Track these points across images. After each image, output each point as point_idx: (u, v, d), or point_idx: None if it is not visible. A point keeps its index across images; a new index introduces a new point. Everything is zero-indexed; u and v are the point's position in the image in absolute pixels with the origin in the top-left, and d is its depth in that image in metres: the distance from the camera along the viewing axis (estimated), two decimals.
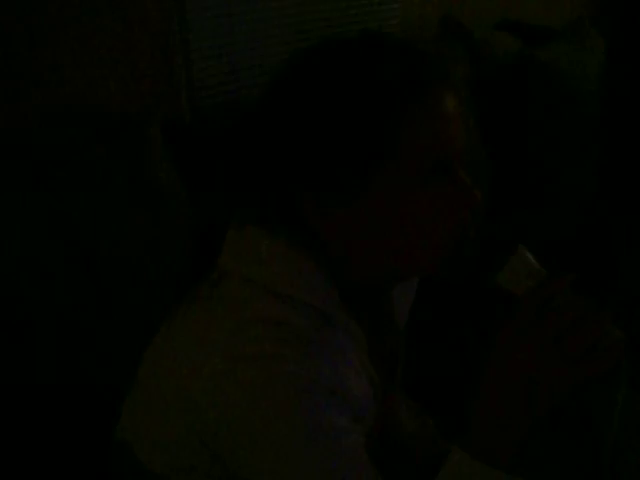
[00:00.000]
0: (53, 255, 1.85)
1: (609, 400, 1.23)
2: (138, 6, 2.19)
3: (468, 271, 1.07)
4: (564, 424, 1.28)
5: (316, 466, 0.95)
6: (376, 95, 1.00)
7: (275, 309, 1.00)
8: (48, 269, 1.84)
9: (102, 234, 1.89)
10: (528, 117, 2.68)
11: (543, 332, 0.95)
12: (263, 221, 1.06)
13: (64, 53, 2.08)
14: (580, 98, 2.70)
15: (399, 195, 1.01)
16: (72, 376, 1.82)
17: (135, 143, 1.97)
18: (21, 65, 2.01)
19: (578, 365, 0.94)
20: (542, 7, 3.38)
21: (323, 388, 0.96)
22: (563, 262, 2.24)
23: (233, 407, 0.96)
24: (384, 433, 1.17)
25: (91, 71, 2.13)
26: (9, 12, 1.98)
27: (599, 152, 2.77)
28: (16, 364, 1.77)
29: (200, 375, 0.98)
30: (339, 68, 1.02)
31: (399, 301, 1.23)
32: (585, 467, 1.40)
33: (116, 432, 1.12)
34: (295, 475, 0.95)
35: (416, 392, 1.36)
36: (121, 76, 2.19)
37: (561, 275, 0.99)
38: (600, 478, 1.39)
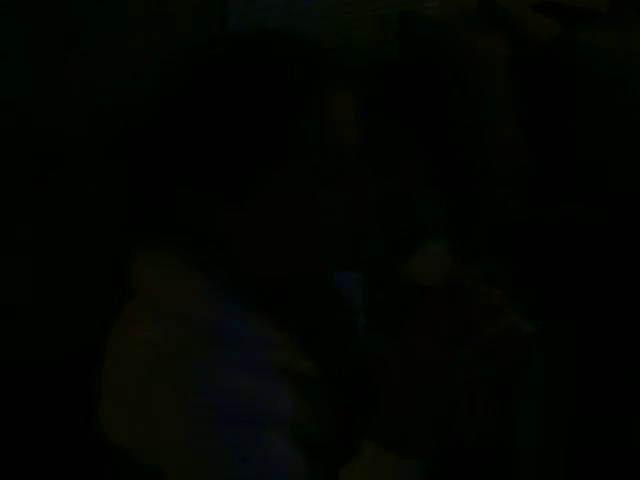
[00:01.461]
0: (70, 246, 1.86)
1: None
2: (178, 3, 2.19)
3: (380, 263, 1.06)
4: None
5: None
6: (268, 95, 0.99)
7: (162, 329, 1.01)
8: (62, 262, 1.85)
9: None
10: (573, 102, 2.64)
11: (441, 329, 0.95)
12: (163, 237, 1.06)
13: (96, 54, 2.07)
14: (625, 82, 2.66)
15: (288, 197, 1.01)
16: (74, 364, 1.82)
17: None
18: (53, 60, 2.01)
19: (477, 362, 0.94)
20: None
21: (205, 404, 0.97)
22: (606, 250, 2.23)
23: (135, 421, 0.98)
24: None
25: (126, 69, 2.12)
26: (40, 11, 1.97)
27: None
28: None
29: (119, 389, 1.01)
30: (233, 67, 1.01)
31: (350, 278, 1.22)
32: None
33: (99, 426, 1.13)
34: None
35: None
36: (147, 68, 2.18)
37: (467, 269, 0.99)
38: None
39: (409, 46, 2.65)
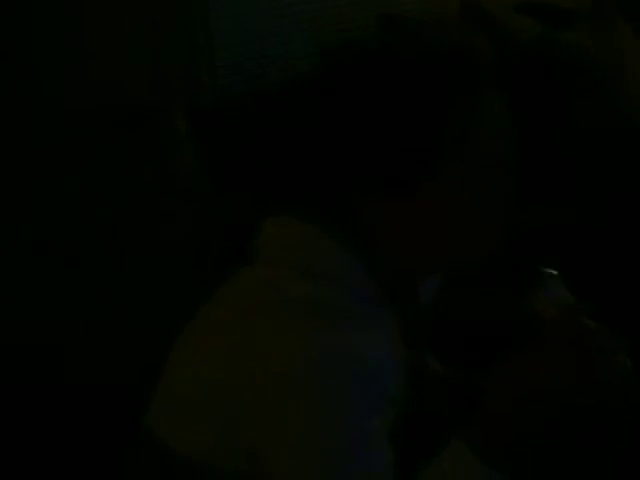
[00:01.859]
0: (80, 242, 1.85)
1: None
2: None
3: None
4: None
5: (337, 443, 0.97)
6: (437, 91, 1.01)
7: (312, 289, 1.02)
8: (74, 255, 1.84)
9: (129, 219, 1.89)
10: (555, 102, 2.65)
11: (555, 361, 0.99)
12: (301, 210, 1.07)
13: (87, 43, 2.07)
14: (606, 82, 2.66)
15: (448, 192, 1.03)
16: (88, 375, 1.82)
17: (159, 129, 1.98)
18: (48, 56, 2.00)
19: (590, 398, 1.00)
20: None
21: (360, 367, 0.98)
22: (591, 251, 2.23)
23: (278, 380, 0.96)
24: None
25: (113, 60, 2.12)
26: (32, 8, 1.97)
27: (631, 140, 2.73)
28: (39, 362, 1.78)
29: (244, 355, 0.99)
30: (404, 65, 1.03)
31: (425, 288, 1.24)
32: None
33: (146, 421, 1.12)
34: (309, 445, 0.97)
35: None
36: (143, 64, 2.18)
37: (585, 305, 1.03)
38: None
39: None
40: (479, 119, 1.04)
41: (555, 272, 1.09)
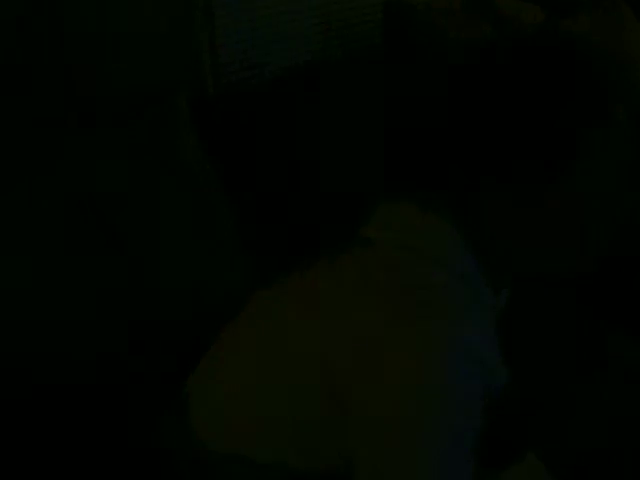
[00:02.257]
0: (80, 233, 1.85)
1: None
2: None
3: None
4: None
5: (438, 433, 0.95)
6: (574, 100, 1.04)
7: (437, 275, 1.02)
8: (73, 247, 1.84)
9: (130, 209, 1.89)
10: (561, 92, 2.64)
11: None
12: (422, 199, 1.07)
13: (88, 34, 2.06)
14: (609, 70, 2.66)
15: (573, 197, 1.03)
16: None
17: (162, 118, 1.97)
18: (46, 45, 2.00)
19: None
20: None
21: (476, 358, 0.97)
22: None
23: (390, 365, 0.95)
24: None
25: (114, 51, 2.12)
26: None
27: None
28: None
29: (358, 326, 0.97)
30: (548, 73, 1.06)
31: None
32: None
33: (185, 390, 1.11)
34: (413, 436, 0.95)
35: None
36: (145, 54, 2.17)
37: None
38: None
39: (395, 34, 2.65)
40: (609, 126, 1.04)
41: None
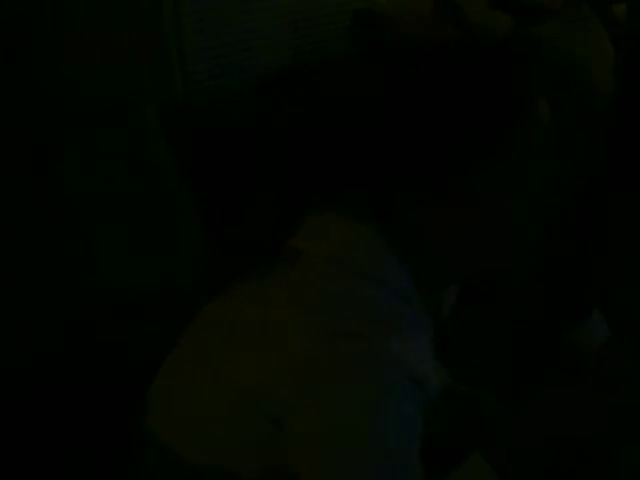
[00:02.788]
0: (51, 242, 1.84)
1: None
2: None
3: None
4: None
5: (372, 455, 0.95)
6: (493, 100, 1.01)
7: (361, 289, 1.01)
8: (44, 256, 1.83)
9: (101, 216, 1.89)
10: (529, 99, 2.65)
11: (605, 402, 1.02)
12: (348, 208, 1.06)
13: (58, 40, 2.06)
14: (579, 77, 2.68)
15: (493, 198, 1.02)
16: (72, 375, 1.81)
17: (131, 125, 1.97)
18: (17, 54, 2.00)
19: None
20: None
21: (403, 377, 0.97)
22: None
23: (311, 383, 0.94)
24: None
25: (83, 56, 2.11)
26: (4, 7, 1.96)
27: (603, 133, 2.74)
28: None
29: (283, 350, 0.96)
30: (462, 71, 1.02)
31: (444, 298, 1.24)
32: None
33: (147, 425, 1.09)
34: (351, 450, 0.94)
35: None
36: (115, 60, 2.17)
37: (622, 343, 1.05)
38: None
39: (362, 43, 2.66)
40: (525, 135, 1.03)
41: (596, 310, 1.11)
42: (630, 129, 2.67)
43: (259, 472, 0.98)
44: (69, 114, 1.95)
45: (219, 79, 2.44)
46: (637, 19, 2.86)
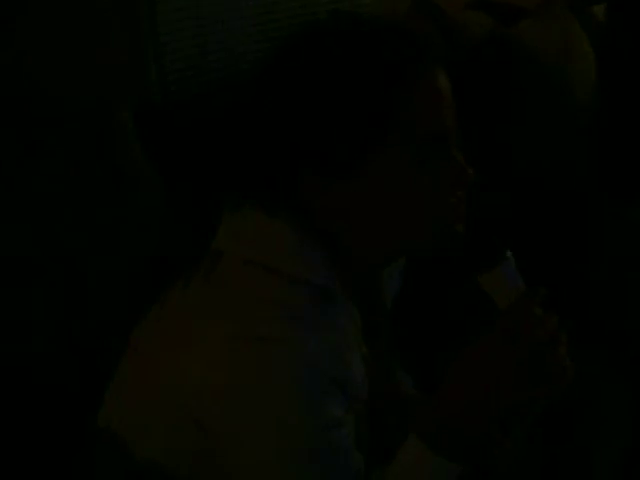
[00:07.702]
0: (23, 244, 1.82)
1: None
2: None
3: (456, 259, 1.08)
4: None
5: (299, 455, 0.96)
6: (374, 73, 1.01)
7: (278, 290, 1.01)
8: (18, 258, 1.81)
9: (72, 219, 1.87)
10: (506, 99, 2.66)
11: (512, 352, 0.99)
12: (260, 203, 1.06)
13: (31, 39, 2.04)
14: (557, 79, 2.68)
15: (397, 172, 1.02)
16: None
17: (105, 128, 1.96)
18: None
19: (536, 387, 1.00)
20: None
21: (324, 376, 0.97)
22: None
23: (231, 387, 0.96)
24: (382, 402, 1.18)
25: (58, 57, 2.09)
26: None
27: (587, 135, 2.74)
28: None
29: (201, 355, 0.98)
30: (338, 49, 1.03)
31: (386, 282, 1.23)
32: None
33: (99, 420, 1.11)
34: (275, 460, 0.96)
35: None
36: (90, 61, 2.15)
37: (535, 291, 1.04)
38: None
39: None
40: (425, 97, 1.04)
41: (510, 253, 1.09)
42: (612, 131, 2.68)
43: (193, 469, 1.00)
44: (40, 117, 1.93)
45: (196, 79, 2.42)
46: (617, 20, 2.86)
